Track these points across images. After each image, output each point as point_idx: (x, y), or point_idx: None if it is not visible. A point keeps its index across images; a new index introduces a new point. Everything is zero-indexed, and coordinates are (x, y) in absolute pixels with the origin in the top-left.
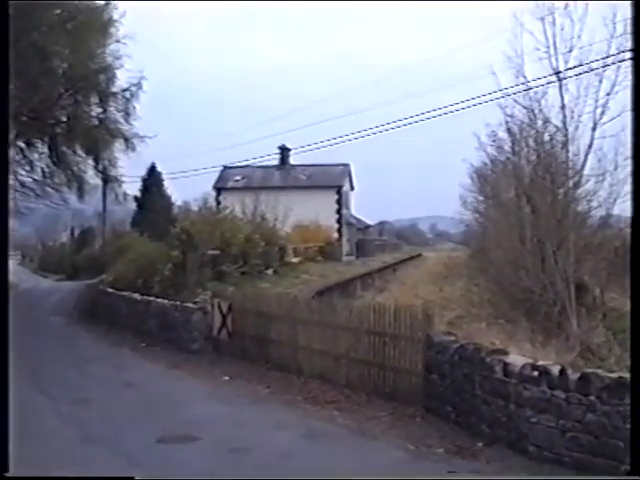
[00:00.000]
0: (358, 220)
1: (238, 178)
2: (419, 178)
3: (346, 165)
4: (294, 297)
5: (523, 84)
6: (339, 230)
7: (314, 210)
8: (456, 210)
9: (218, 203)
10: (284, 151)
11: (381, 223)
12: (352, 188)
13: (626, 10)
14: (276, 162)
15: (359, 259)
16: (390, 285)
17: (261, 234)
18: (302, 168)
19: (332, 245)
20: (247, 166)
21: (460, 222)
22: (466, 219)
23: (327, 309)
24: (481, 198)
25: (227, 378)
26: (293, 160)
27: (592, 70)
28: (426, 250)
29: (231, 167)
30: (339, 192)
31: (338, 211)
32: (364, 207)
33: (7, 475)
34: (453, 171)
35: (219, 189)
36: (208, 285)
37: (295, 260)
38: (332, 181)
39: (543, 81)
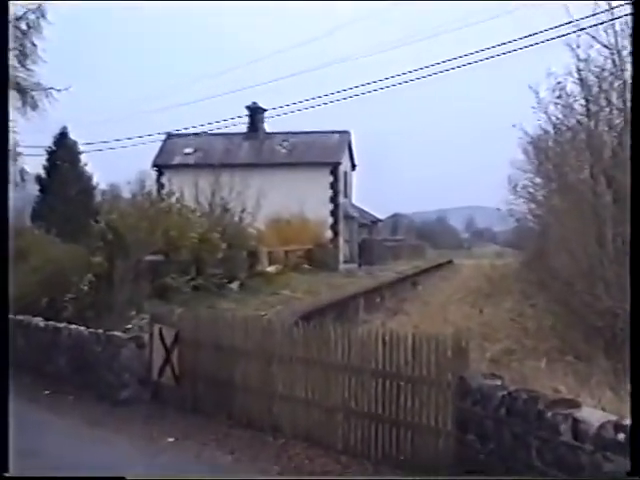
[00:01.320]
0: (362, 212)
1: (189, 151)
2: (449, 153)
3: (344, 133)
4: (269, 323)
5: (605, 12)
6: (334, 226)
7: (299, 198)
8: (502, 199)
9: (160, 187)
10: (255, 113)
11: (394, 217)
12: (353, 167)
13: None
14: (244, 128)
15: (363, 268)
16: (407, 305)
17: (223, 232)
18: (282, 137)
19: (324, 248)
20: (202, 134)
21: (508, 215)
22: (517, 211)
23: (317, 340)
24: (539, 181)
25: (172, 440)
26: (269, 126)
27: None
28: (460, 255)
29: (179, 135)
30: (335, 172)
31: (333, 199)
32: (370, 194)
33: (7, 475)
34: (498, 143)
35: (161, 167)
36: (145, 305)
37: (271, 269)
38: (325, 156)
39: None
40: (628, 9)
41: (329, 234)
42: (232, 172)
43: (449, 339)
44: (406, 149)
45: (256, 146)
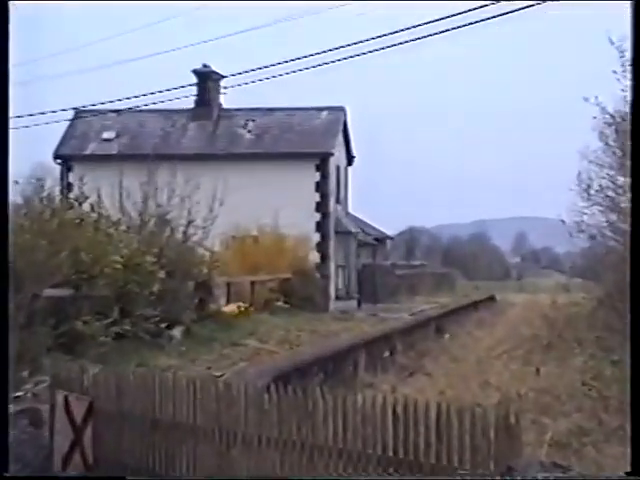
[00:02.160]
0: (362, 226)
1: (109, 136)
2: (487, 141)
3: (337, 111)
4: (227, 388)
5: None
6: (323, 246)
7: (271, 204)
8: (569, 206)
9: (67, 189)
10: (206, 80)
11: (410, 232)
12: (350, 160)
13: None
14: (190, 103)
15: (364, 306)
16: (429, 362)
17: (160, 255)
18: (246, 116)
19: (308, 278)
20: (127, 110)
21: (577, 231)
22: (591, 224)
23: (297, 413)
24: (624, 180)
25: None
26: (227, 101)
27: None
28: (505, 288)
29: (93, 112)
30: (323, 167)
31: (321, 206)
32: (375, 200)
33: (7, 475)
34: (561, 124)
35: (68, 159)
36: (44, 362)
37: (231, 309)
38: (308, 144)
39: None
40: None
41: (315, 257)
42: (173, 167)
43: (491, 412)
44: (424, 134)
45: (208, 129)
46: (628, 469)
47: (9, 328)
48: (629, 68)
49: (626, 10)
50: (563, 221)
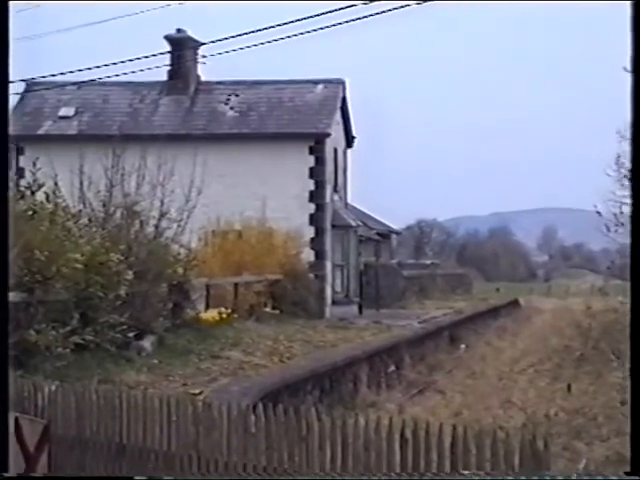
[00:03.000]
0: (364, 219)
1: (67, 112)
2: (510, 123)
3: (335, 84)
4: (207, 409)
5: None
6: (318, 243)
7: (257, 194)
8: (605, 195)
9: (18, 175)
10: (181, 47)
11: (420, 226)
12: (349, 142)
13: None
14: (163, 74)
15: (367, 313)
16: (442, 378)
17: (128, 253)
18: (228, 90)
19: (301, 279)
20: (90, 83)
21: (615, 224)
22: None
23: (288, 437)
24: None
25: None
26: (206, 73)
27: None
28: (532, 292)
29: (48, 85)
30: (319, 150)
31: (316, 196)
32: (379, 189)
33: (7, 475)
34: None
35: (17, 140)
36: None
37: (211, 315)
38: (301, 122)
39: None
40: None
41: (309, 255)
42: (143, 149)
43: (515, 436)
44: (438, 114)
45: (184, 105)
46: None
47: (8, 329)
48: None
49: None
50: (599, 213)
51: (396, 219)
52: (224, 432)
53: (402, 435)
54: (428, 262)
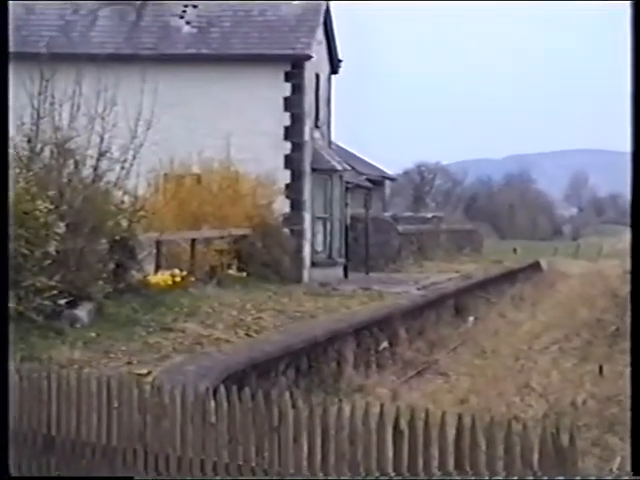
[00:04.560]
0: (352, 161)
1: None
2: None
3: None
4: (156, 392)
5: None
6: (294, 190)
7: (221, 129)
8: None
9: None
10: None
11: (419, 171)
12: (334, 67)
13: None
14: None
15: (354, 276)
16: (445, 357)
17: (59, 200)
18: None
19: (273, 234)
20: None
21: None
22: None
23: (257, 429)
24: None
25: None
26: None
27: None
28: (557, 253)
29: None
30: (295, 75)
31: (292, 132)
32: (370, 125)
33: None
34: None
35: None
36: None
37: (161, 279)
38: (274, 41)
39: None
40: None
41: (283, 205)
42: (78, 72)
43: (534, 428)
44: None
45: (129, 18)
46: None
47: (8, 329)
48: None
49: None
50: None
51: (391, 162)
52: (177, 422)
53: (396, 426)
54: (429, 215)
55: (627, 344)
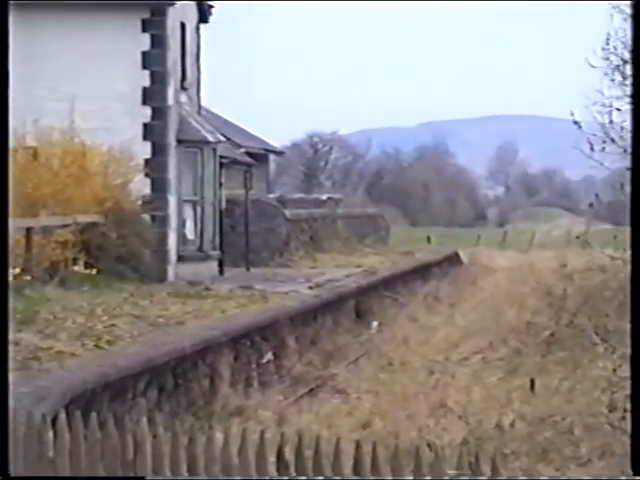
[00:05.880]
0: (228, 131)
1: None
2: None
3: None
4: None
5: None
6: (154, 166)
7: (62, 91)
8: (588, 97)
9: None
10: None
11: (310, 144)
12: (204, 16)
13: None
14: None
15: (231, 272)
16: (345, 371)
17: None
18: None
19: (129, 221)
20: None
21: (602, 141)
22: (628, 129)
23: (107, 461)
24: None
25: None
26: None
27: None
28: (480, 242)
29: None
30: (155, 25)
31: (152, 96)
32: (248, 86)
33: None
34: None
35: None
36: None
37: None
38: None
39: None
40: None
41: (142, 186)
42: None
43: (451, 458)
44: None
45: None
46: None
47: (8, 328)
48: None
49: None
50: (577, 123)
51: (276, 132)
52: (10, 451)
53: (279, 456)
54: (324, 197)
55: (564, 353)
